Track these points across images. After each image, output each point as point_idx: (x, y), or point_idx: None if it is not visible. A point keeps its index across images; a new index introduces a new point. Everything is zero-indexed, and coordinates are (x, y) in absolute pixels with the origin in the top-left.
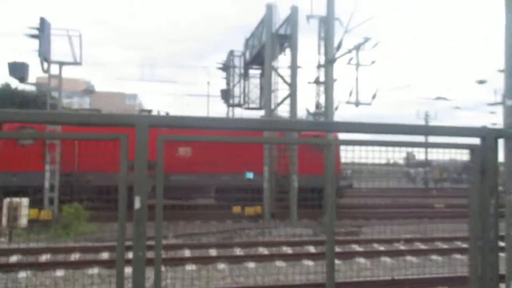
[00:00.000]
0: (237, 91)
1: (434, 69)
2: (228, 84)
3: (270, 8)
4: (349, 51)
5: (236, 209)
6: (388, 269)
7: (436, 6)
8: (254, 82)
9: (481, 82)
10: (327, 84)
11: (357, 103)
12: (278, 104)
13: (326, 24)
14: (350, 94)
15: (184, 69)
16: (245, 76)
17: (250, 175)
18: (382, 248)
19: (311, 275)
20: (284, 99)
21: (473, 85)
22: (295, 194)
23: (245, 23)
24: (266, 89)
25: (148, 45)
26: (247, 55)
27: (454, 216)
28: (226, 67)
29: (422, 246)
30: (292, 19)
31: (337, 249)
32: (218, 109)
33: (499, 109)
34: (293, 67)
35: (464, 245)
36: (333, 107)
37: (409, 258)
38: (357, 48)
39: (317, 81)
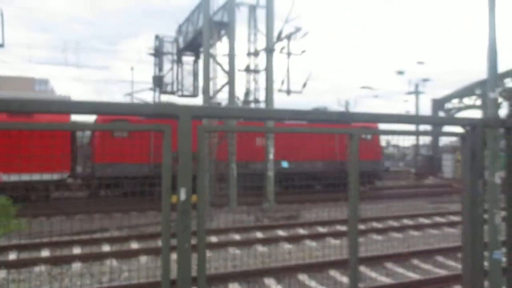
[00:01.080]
0: (168, 78)
1: (358, 59)
2: (160, 70)
3: None
4: (281, 39)
5: (174, 198)
6: (338, 249)
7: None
8: (187, 68)
9: (400, 72)
10: (268, 72)
11: (288, 91)
12: (217, 92)
13: (267, 14)
14: (282, 82)
15: (97, 53)
16: (178, 62)
17: (285, 164)
18: (325, 230)
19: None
20: (223, 86)
21: (392, 75)
22: (234, 181)
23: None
24: (204, 77)
25: (59, 27)
26: (181, 41)
27: (380, 197)
28: (158, 53)
29: (361, 226)
30: (229, 6)
31: (284, 233)
32: (144, 96)
33: (412, 98)
34: (231, 55)
35: (396, 224)
36: (273, 95)
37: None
38: (289, 37)
39: (247, 69)
